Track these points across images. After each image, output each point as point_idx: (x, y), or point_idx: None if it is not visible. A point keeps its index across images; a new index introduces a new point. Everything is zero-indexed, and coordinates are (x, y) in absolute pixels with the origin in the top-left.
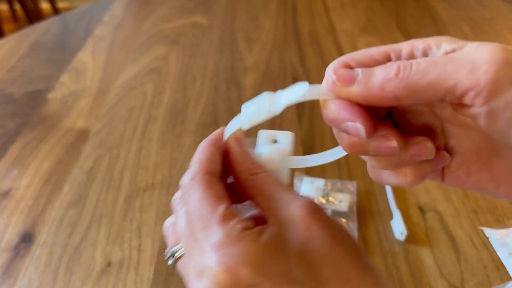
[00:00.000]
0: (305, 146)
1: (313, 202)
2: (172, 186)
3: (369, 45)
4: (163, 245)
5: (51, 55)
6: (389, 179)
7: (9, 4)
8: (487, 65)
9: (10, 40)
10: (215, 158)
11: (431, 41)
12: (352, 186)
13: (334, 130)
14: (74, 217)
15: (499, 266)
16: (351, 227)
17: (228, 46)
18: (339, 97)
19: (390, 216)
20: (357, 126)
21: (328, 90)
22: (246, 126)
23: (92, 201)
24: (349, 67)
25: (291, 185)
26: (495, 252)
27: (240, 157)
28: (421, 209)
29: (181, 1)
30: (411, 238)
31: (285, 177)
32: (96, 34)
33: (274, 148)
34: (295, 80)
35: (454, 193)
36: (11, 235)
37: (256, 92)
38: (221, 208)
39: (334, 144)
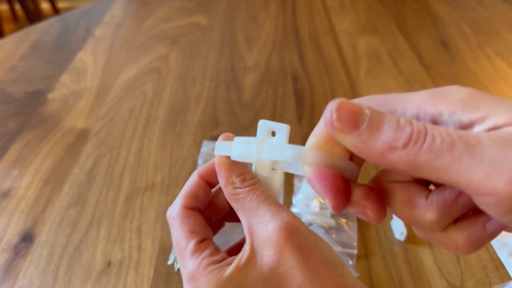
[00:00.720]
0: None
1: (291, 222)
2: (172, 186)
3: (369, 45)
4: (163, 245)
5: (51, 55)
6: (439, 242)
7: (9, 4)
8: (509, 174)
9: (10, 40)
10: (196, 190)
11: (443, 106)
12: None
13: None
14: (74, 217)
15: (499, 266)
16: (351, 227)
17: (228, 46)
18: (331, 139)
19: (390, 216)
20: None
21: (321, 132)
22: (234, 158)
23: (92, 201)
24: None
25: (290, 185)
26: (494, 252)
27: (225, 172)
28: None
29: (181, 1)
30: (411, 238)
31: (278, 176)
32: (96, 34)
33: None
34: (295, 80)
35: None
36: (12, 234)
37: (256, 92)
38: (192, 243)
39: None
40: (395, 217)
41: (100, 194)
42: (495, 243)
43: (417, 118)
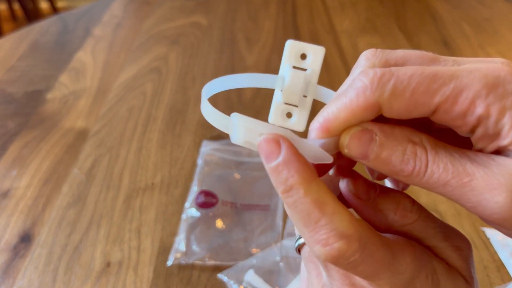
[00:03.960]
0: None
1: None
2: (172, 186)
3: (369, 45)
4: (162, 246)
5: (50, 55)
6: None
7: (8, 3)
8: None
9: (9, 40)
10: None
11: (495, 110)
12: None
13: None
14: (73, 217)
15: (500, 266)
16: None
17: (228, 46)
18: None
19: None
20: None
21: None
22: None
23: (92, 201)
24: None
25: None
26: (496, 252)
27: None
28: None
29: (181, 1)
30: None
31: (304, 115)
32: (96, 34)
33: (297, 73)
34: None
35: None
36: (11, 235)
37: (256, 91)
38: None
39: None
40: None
41: (99, 194)
42: (496, 243)
43: (464, 116)
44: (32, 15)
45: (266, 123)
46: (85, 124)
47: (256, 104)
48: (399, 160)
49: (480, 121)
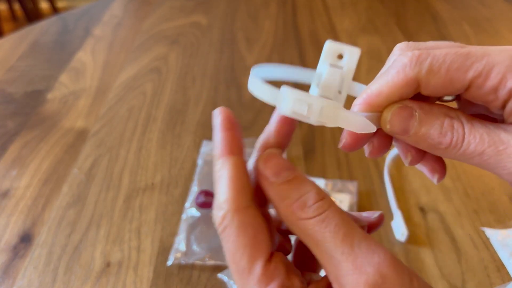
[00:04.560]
0: (305, 146)
1: (379, 278)
2: (171, 186)
3: (369, 44)
4: (162, 246)
5: (50, 55)
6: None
7: (8, 3)
8: None
9: (9, 40)
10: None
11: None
12: (352, 186)
13: None
14: (73, 217)
15: (500, 266)
16: None
17: (228, 46)
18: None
19: (391, 216)
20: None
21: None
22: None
23: (92, 201)
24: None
25: None
26: (496, 252)
27: (276, 197)
28: (422, 209)
29: (181, 1)
30: (412, 238)
31: (342, 101)
32: (96, 34)
33: (334, 70)
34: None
35: (455, 193)
36: (11, 235)
37: None
38: (258, 267)
39: (335, 144)
40: (395, 218)
41: (99, 194)
42: (496, 243)
43: (496, 90)
44: (32, 15)
45: (313, 95)
46: (85, 124)
47: (256, 105)
48: (437, 133)
49: (511, 94)
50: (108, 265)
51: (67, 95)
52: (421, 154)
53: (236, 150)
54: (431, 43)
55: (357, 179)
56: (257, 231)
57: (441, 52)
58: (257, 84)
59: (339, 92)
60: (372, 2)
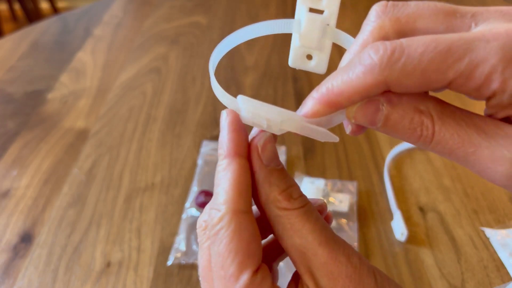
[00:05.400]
0: (305, 146)
1: (354, 270)
2: (171, 186)
3: None
4: (162, 246)
5: (50, 55)
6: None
7: (9, 3)
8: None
9: (10, 40)
10: (247, 181)
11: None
12: (352, 186)
13: None
14: (73, 217)
15: (500, 266)
16: (352, 227)
17: None
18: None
19: (391, 216)
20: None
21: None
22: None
23: (92, 201)
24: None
25: None
26: (495, 252)
27: (265, 182)
28: (421, 209)
29: (181, 1)
30: (412, 238)
31: (324, 58)
32: (96, 34)
33: (313, 16)
34: (295, 80)
35: (455, 193)
36: (11, 235)
37: (256, 92)
38: (246, 276)
39: (335, 144)
40: (395, 218)
41: (99, 194)
42: (496, 243)
43: (479, 90)
44: (32, 15)
45: (271, 107)
46: (85, 124)
47: None
48: (405, 128)
49: (495, 94)
50: (108, 265)
51: (67, 95)
52: (362, 128)
53: (242, 152)
54: (412, 8)
55: (357, 179)
56: (252, 238)
57: (417, 48)
58: (218, 90)
59: (323, 41)
60: (372, 2)
